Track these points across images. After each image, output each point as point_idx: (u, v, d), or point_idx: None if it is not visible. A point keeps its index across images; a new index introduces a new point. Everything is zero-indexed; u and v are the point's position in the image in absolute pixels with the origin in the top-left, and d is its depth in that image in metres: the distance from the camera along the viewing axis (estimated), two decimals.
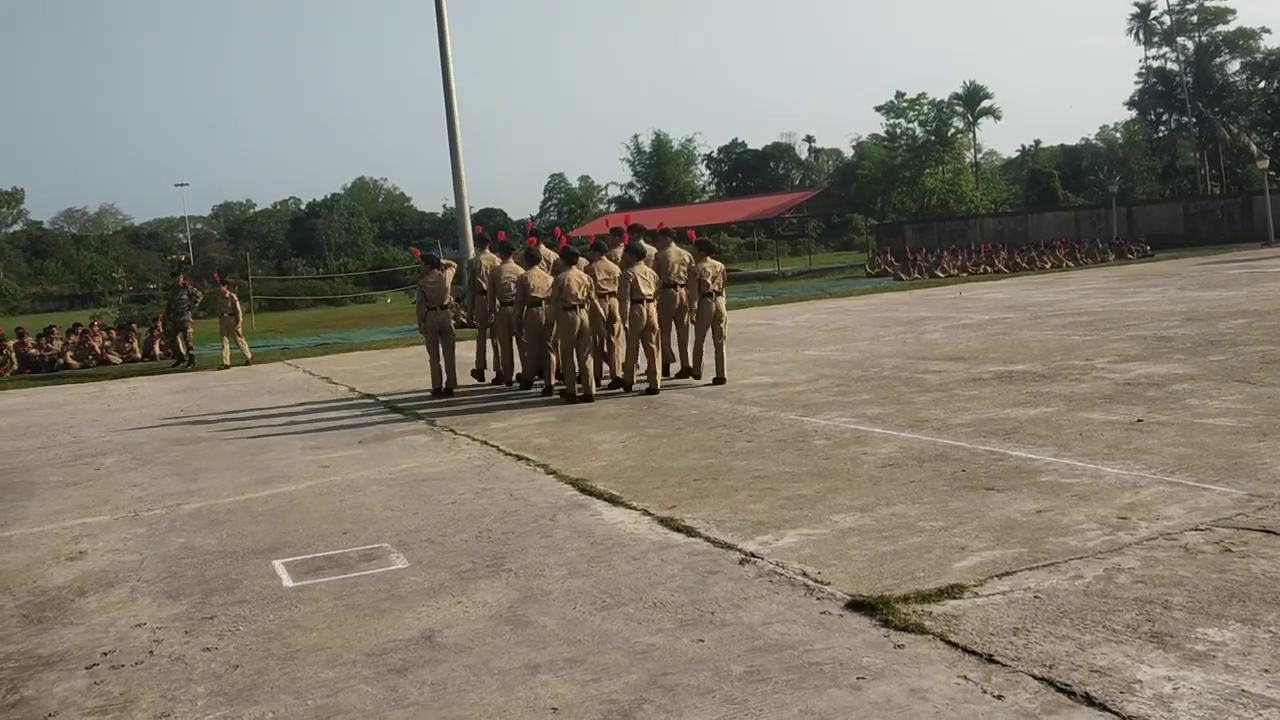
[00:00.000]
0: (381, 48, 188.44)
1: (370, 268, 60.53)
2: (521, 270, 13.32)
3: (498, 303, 13.87)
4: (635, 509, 6.98)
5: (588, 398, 12.19)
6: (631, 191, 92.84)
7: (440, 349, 13.71)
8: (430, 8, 27.07)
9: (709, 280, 12.86)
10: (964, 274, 35.65)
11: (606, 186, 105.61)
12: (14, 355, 22.43)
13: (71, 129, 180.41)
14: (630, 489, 7.55)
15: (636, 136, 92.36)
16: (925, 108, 71.78)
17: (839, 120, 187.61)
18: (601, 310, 12.59)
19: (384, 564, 6.18)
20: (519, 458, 9.06)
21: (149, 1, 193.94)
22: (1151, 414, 8.77)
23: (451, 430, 10.81)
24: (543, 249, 14.03)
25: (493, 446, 9.70)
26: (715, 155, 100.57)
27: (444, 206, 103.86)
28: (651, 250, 13.25)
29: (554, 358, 13.02)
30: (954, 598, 4.85)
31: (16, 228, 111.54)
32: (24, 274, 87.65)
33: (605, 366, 13.28)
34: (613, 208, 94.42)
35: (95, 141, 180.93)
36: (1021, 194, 78.46)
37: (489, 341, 14.63)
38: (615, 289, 12.64)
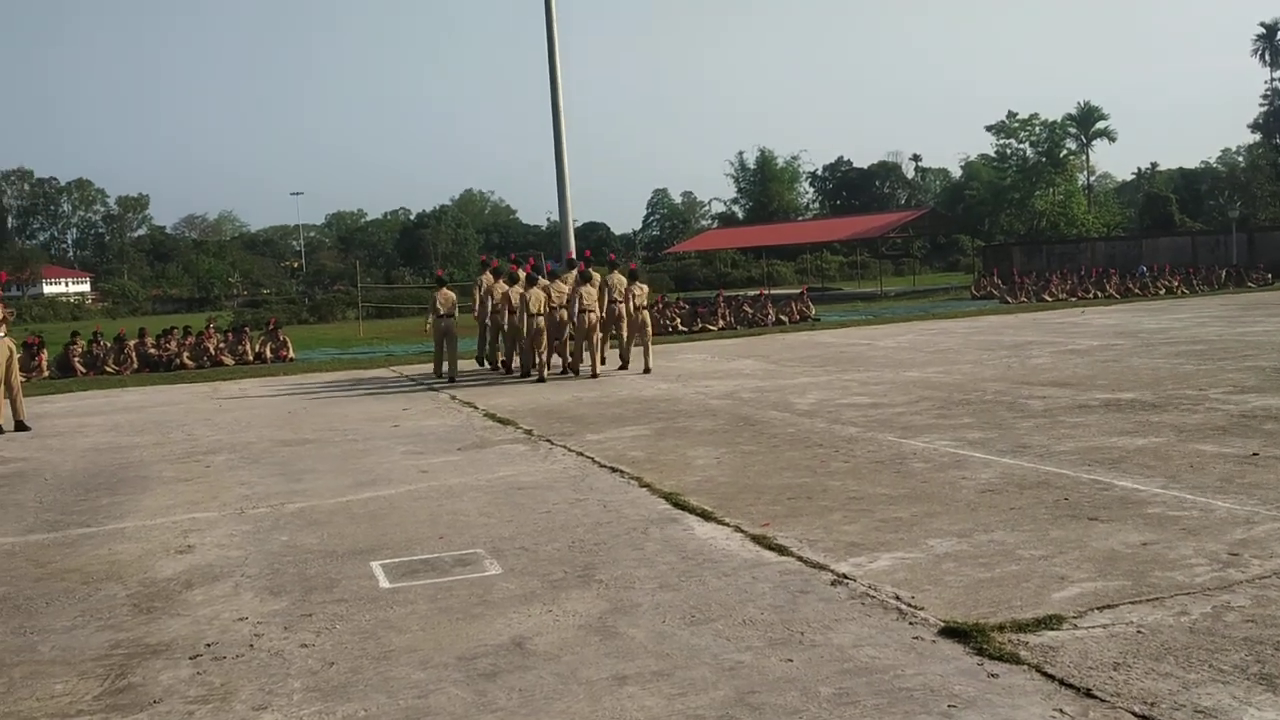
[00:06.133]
0: (492, 63, 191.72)
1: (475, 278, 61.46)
2: (505, 288, 17.99)
3: (488, 309, 18.69)
4: (728, 525, 6.96)
5: (541, 380, 16.75)
6: (735, 207, 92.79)
7: (445, 346, 18.00)
8: (540, 24, 27.49)
9: (637, 298, 17.89)
10: (1073, 298, 34.76)
11: (710, 202, 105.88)
12: (134, 354, 23.32)
13: (195, 138, 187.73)
14: (723, 505, 7.53)
15: (741, 153, 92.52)
16: (1037, 128, 70.05)
17: (947, 140, 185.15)
18: (556, 318, 17.24)
19: (478, 569, 6.26)
20: (613, 470, 9.10)
21: (269, 21, 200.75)
22: (1268, 448, 8.44)
23: (548, 440, 10.91)
24: (520, 273, 18.25)
25: (588, 458, 9.76)
26: (820, 173, 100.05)
27: (548, 219, 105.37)
28: (599, 276, 18.08)
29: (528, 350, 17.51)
30: (1052, 628, 4.73)
31: (141, 232, 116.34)
32: (146, 277, 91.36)
33: (556, 359, 18.03)
34: (715, 224, 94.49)
35: (217, 151, 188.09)
36: (1136, 218, 76.20)
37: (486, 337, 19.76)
38: (565, 303, 17.26)
